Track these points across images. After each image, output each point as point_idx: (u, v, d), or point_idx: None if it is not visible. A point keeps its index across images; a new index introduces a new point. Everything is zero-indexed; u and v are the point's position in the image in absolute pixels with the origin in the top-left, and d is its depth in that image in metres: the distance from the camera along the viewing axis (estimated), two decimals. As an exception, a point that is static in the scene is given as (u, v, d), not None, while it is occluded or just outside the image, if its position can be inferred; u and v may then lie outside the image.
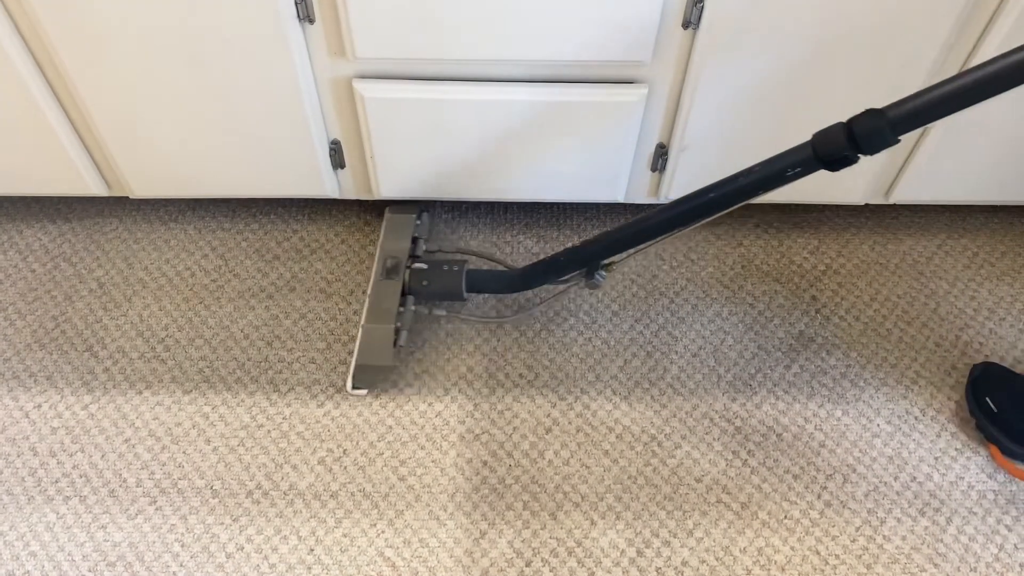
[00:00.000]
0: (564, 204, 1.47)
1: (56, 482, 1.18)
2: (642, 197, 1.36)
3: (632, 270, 1.40)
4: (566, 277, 1.21)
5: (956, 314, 1.37)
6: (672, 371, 1.30)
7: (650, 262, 1.42)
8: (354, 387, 1.28)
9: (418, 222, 1.41)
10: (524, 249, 1.42)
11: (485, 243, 1.44)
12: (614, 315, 1.36)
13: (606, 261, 1.16)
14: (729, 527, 1.16)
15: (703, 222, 1.03)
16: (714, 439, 1.24)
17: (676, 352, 1.32)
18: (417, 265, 1.31)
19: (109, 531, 1.14)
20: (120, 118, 1.21)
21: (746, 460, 1.22)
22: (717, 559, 1.13)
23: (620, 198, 1.35)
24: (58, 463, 1.19)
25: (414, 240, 1.38)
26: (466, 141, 1.25)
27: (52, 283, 1.38)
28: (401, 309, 1.29)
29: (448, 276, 1.29)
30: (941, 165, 1.29)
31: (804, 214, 1.49)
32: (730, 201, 0.96)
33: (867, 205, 1.49)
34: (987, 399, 1.22)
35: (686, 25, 1.09)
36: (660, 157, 1.28)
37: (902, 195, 1.35)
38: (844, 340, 1.34)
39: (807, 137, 1.25)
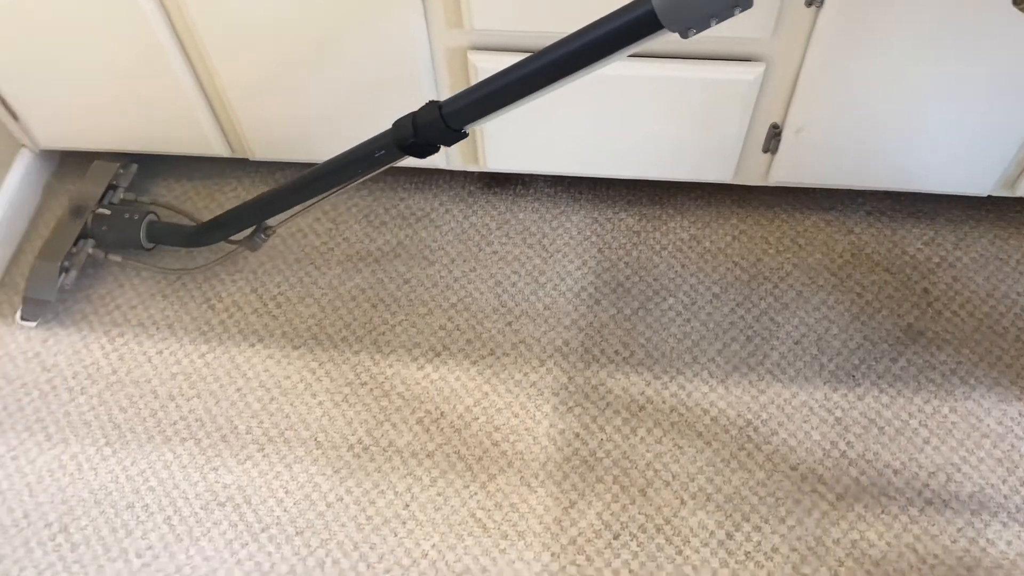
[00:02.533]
0: (669, 183, 1.46)
1: (174, 424, 1.25)
2: (753, 179, 1.34)
3: (736, 252, 1.39)
4: (236, 238, 1.27)
5: (1082, 316, 1.30)
6: (772, 357, 1.28)
7: (755, 245, 1.39)
8: (22, 318, 1.35)
9: (121, 171, 1.46)
10: (626, 227, 1.42)
11: (586, 219, 1.44)
12: (715, 297, 1.34)
13: (266, 224, 1.23)
14: (823, 517, 1.14)
15: (326, 196, 1.11)
16: (812, 428, 1.21)
17: (777, 338, 1.30)
18: (100, 210, 1.38)
19: (220, 473, 1.21)
20: (247, 84, 1.26)
21: (844, 452, 1.19)
22: (808, 548, 1.12)
23: (728, 179, 1.33)
24: (176, 407, 1.27)
25: (112, 187, 1.43)
26: (575, 116, 1.25)
27: (176, 238, 1.46)
28: (74, 249, 1.36)
29: (128, 223, 1.36)
30: (1076, 157, 1.22)
31: (920, 203, 1.43)
32: (337, 179, 1.06)
33: (990, 197, 1.42)
34: None
35: (810, 3, 1.06)
36: (773, 138, 1.25)
37: (1031, 188, 1.28)
38: (956, 336, 1.29)
39: (928, 128, 1.20)
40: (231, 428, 1.24)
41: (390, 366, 1.30)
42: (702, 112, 1.21)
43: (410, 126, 0.92)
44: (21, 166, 1.46)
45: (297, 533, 1.15)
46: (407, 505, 1.17)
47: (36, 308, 1.34)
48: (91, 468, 1.22)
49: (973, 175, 1.28)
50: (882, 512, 1.14)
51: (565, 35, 0.81)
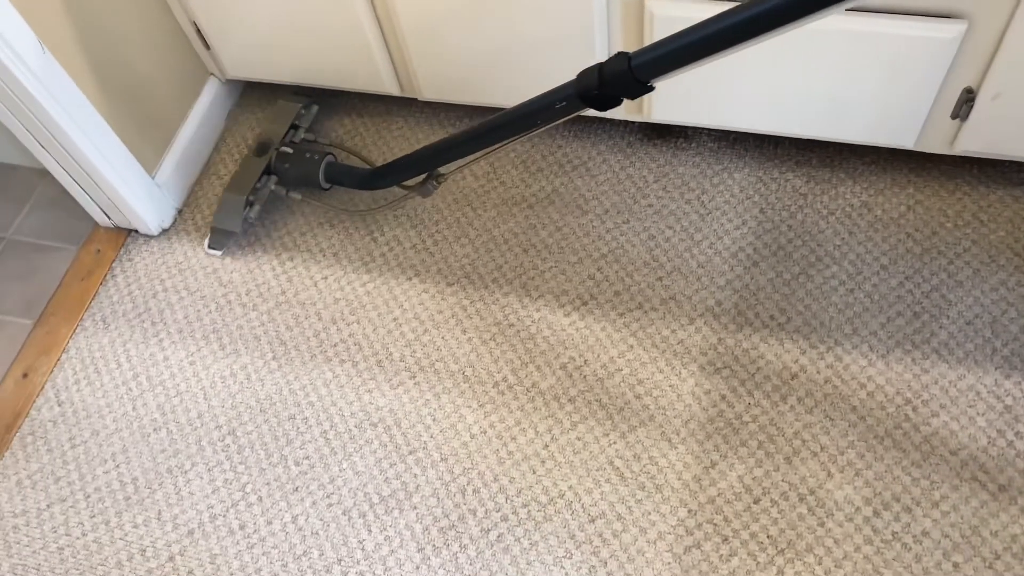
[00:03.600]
0: (842, 145, 1.39)
1: (335, 346, 1.33)
2: (936, 146, 1.26)
3: (910, 223, 1.31)
4: (409, 183, 1.29)
5: None
6: (940, 336, 1.21)
7: (932, 217, 1.31)
8: (209, 247, 1.43)
9: (303, 111, 1.51)
10: (792, 189, 1.37)
11: (750, 177, 1.40)
12: (883, 268, 1.28)
13: (438, 171, 1.23)
14: (981, 507, 1.08)
15: (501, 146, 1.10)
16: (978, 414, 1.15)
17: (948, 317, 1.23)
18: (284, 149, 1.42)
19: (374, 395, 1.27)
20: (423, 24, 1.29)
21: (1012, 442, 1.12)
22: (963, 536, 1.07)
23: (910, 144, 1.26)
24: (337, 330, 1.34)
25: (294, 127, 1.49)
26: (750, 68, 1.21)
27: (343, 171, 1.52)
28: (258, 185, 1.42)
29: (308, 163, 1.40)
30: None
31: None
32: (514, 129, 1.04)
33: None
34: None
35: (1028, -45, 0.98)
36: (965, 103, 1.17)
37: None
38: None
39: None
40: (386, 354, 1.31)
41: (537, 310, 1.32)
42: (891, 71, 1.14)
43: (595, 77, 0.88)
44: (209, 93, 1.56)
45: (442, 459, 1.20)
46: (547, 445, 1.20)
47: (222, 238, 1.43)
48: (259, 379, 1.31)
49: None
50: (1050, 510, 1.07)
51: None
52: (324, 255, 1.43)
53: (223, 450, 1.25)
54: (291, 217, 1.48)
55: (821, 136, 1.30)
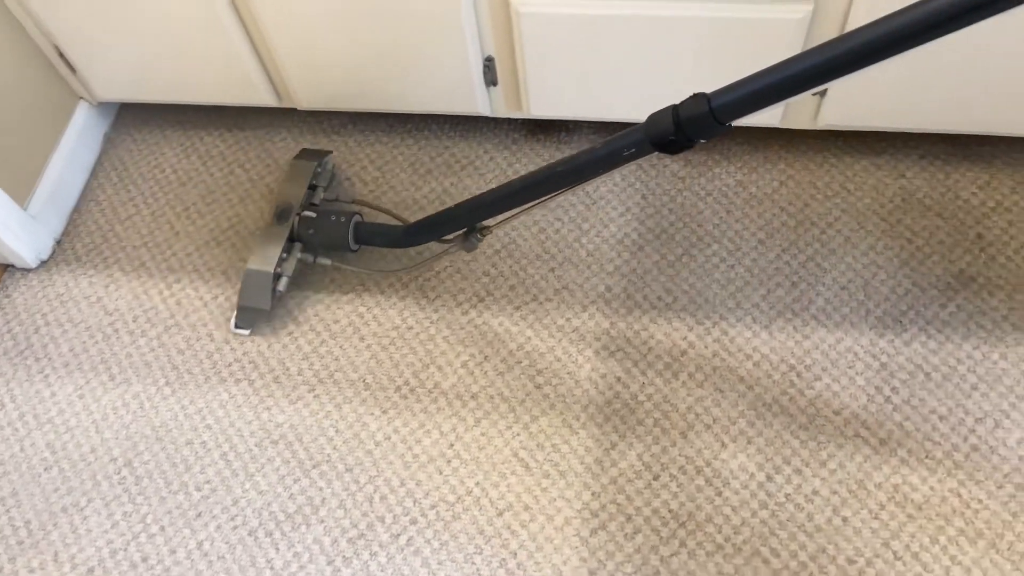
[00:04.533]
0: (715, 128, 1.44)
1: (229, 365, 1.30)
2: (801, 122, 1.31)
3: (783, 198, 1.37)
4: (449, 237, 1.20)
5: None
6: (818, 303, 1.27)
7: (803, 191, 1.37)
8: (236, 326, 1.32)
9: (319, 170, 1.39)
10: (670, 174, 1.41)
11: (630, 166, 1.43)
12: (760, 243, 1.33)
13: (482, 224, 1.15)
14: (865, 461, 1.14)
15: (556, 194, 1.03)
16: (857, 374, 1.21)
17: (823, 284, 1.29)
18: (306, 213, 1.32)
19: (273, 412, 1.25)
20: (294, 34, 1.28)
21: (889, 397, 1.19)
22: (850, 491, 1.12)
23: (776, 123, 1.31)
24: (231, 349, 1.32)
25: (312, 188, 1.37)
26: (616, 58, 1.24)
27: (228, 187, 1.50)
28: (284, 255, 1.30)
29: (335, 227, 1.30)
30: None
31: (976, 146, 1.39)
32: (576, 177, 0.97)
33: (1051, 139, 1.37)
34: None
35: (861, -64, 1.03)
36: (821, 80, 1.23)
37: (1094, 128, 1.23)
38: (1009, 282, 1.26)
39: (983, 64, 1.16)
40: (283, 370, 1.29)
41: (435, 311, 1.33)
42: (748, 55, 1.19)
43: (670, 121, 0.83)
44: (81, 118, 1.51)
45: (347, 469, 1.20)
46: (452, 444, 1.21)
47: (251, 316, 1.31)
48: (152, 407, 1.28)
49: (1032, 115, 1.24)
50: (926, 457, 1.14)
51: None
52: (212, 273, 1.40)
53: (120, 483, 1.22)
54: (175, 240, 1.44)
55: (693, 120, 1.34)
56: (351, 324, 1.32)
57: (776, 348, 1.24)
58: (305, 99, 1.42)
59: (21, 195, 1.39)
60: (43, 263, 1.44)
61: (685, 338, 1.26)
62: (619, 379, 1.24)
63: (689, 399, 1.21)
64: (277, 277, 1.30)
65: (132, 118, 1.59)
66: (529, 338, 1.29)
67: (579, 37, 1.20)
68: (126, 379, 1.30)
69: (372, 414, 1.24)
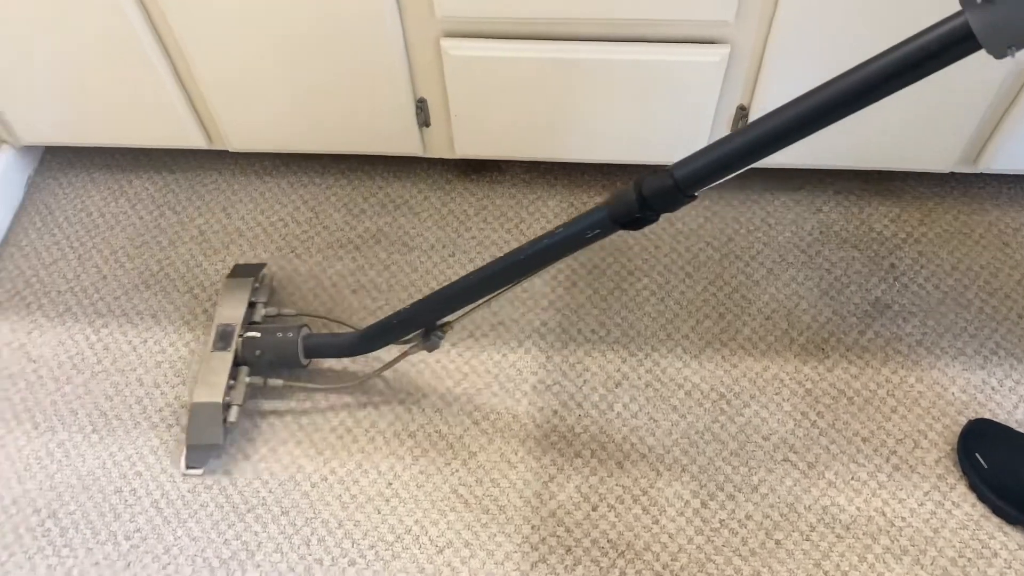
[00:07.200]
0: (641, 166, 1.49)
1: (160, 411, 1.27)
2: (720, 159, 1.37)
3: (708, 233, 1.42)
4: (408, 337, 1.15)
5: (1043, 287, 1.35)
6: (744, 332, 1.32)
7: (726, 225, 1.43)
8: (188, 466, 1.22)
9: (257, 285, 1.33)
10: (601, 209, 1.45)
11: (562, 203, 1.47)
12: (687, 276, 1.38)
13: (441, 322, 1.11)
14: (795, 485, 1.18)
15: (518, 282, 1.00)
16: (783, 400, 1.25)
17: (749, 314, 1.33)
18: (250, 334, 1.25)
19: (206, 457, 1.23)
20: (223, 75, 1.28)
21: (815, 421, 1.23)
22: (781, 515, 1.15)
23: (698, 160, 1.36)
24: (161, 394, 1.29)
25: (251, 305, 1.30)
26: (544, 100, 1.28)
27: (157, 230, 1.48)
28: (232, 382, 1.22)
29: (283, 343, 1.23)
30: (1033, 132, 1.26)
31: (886, 182, 1.47)
32: (539, 262, 0.95)
33: (953, 174, 1.46)
34: (977, 455, 1.16)
35: (770, -15, 1.10)
36: (741, 119, 1.29)
37: (991, 163, 1.32)
38: (922, 308, 1.33)
39: (889, 105, 1.24)
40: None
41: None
42: (671, 95, 1.24)
43: (634, 199, 0.82)
44: (3, 162, 1.48)
45: (283, 513, 1.18)
46: (390, 483, 1.20)
47: (202, 454, 1.21)
48: (79, 455, 1.24)
49: (935, 152, 1.32)
50: (852, 479, 1.18)
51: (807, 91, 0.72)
52: (142, 317, 1.37)
53: (44, 535, 1.17)
54: (103, 284, 1.42)
55: (624, 160, 1.39)
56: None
57: (706, 377, 1.27)
58: (236, 141, 1.42)
59: (-62, 240, 1.35)
60: (-39, 310, 1.39)
61: (619, 369, 1.29)
62: (556, 412, 1.25)
63: (624, 429, 1.23)
64: (227, 407, 1.21)
65: (58, 161, 1.57)
66: (467, 374, 1.30)
67: (503, 79, 1.24)
68: (51, 427, 1.26)
69: (308, 455, 1.23)
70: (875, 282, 1.36)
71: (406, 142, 1.39)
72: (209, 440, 1.20)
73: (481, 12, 1.15)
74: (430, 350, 1.14)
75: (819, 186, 1.47)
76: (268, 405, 1.27)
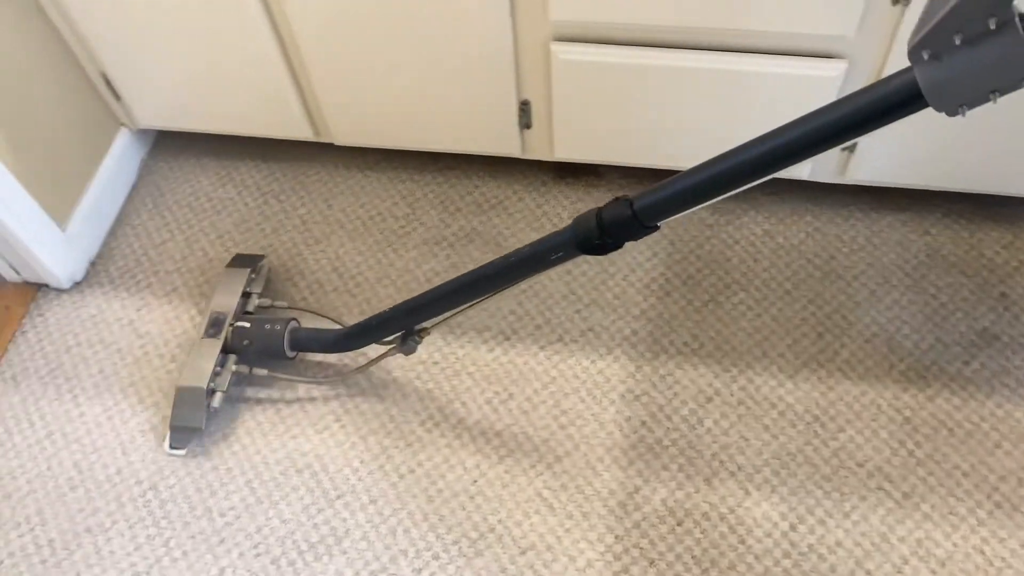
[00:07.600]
0: (743, 178, 1.46)
1: (257, 393, 1.32)
2: (829, 176, 1.34)
3: (810, 249, 1.39)
4: (389, 339, 1.16)
5: None
6: (843, 355, 1.28)
7: (829, 243, 1.39)
8: (171, 447, 1.26)
9: (253, 276, 1.36)
10: (698, 220, 1.44)
11: (659, 211, 1.46)
12: (786, 293, 1.35)
13: (419, 327, 1.13)
14: (888, 514, 1.14)
15: (491, 296, 1.02)
16: (880, 427, 1.22)
17: (849, 336, 1.30)
18: (240, 323, 1.28)
19: (299, 441, 1.26)
20: (334, 71, 1.31)
21: (912, 451, 1.19)
22: (873, 544, 1.12)
23: (805, 176, 1.34)
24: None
25: (246, 295, 1.34)
26: (650, 107, 1.27)
27: (262, 217, 1.52)
28: (218, 369, 1.25)
29: (270, 335, 1.25)
30: None
31: (999, 207, 1.41)
32: (505, 279, 0.96)
33: (1074, 202, 1.39)
34: None
35: (895, 1, 1.07)
36: (851, 136, 1.25)
37: (1118, 193, 1.26)
38: (1033, 341, 1.28)
39: (1007, 128, 1.19)
40: (309, 398, 1.30)
41: (461, 347, 1.34)
42: (782, 107, 1.21)
43: (594, 225, 0.83)
44: (121, 144, 1.55)
45: (371, 501, 1.20)
46: (475, 480, 1.21)
47: (185, 436, 1.26)
48: (179, 431, 1.29)
49: (1058, 179, 1.26)
50: (949, 513, 1.14)
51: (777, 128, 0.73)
52: (244, 302, 1.42)
53: (144, 506, 1.22)
54: (209, 266, 1.47)
55: (723, 170, 1.37)
56: (378, 357, 1.34)
57: (801, 398, 1.25)
58: (342, 134, 1.45)
59: (61, 217, 1.42)
60: (77, 284, 1.46)
61: (711, 384, 1.27)
62: (644, 423, 1.25)
63: (714, 446, 1.22)
64: (211, 393, 1.24)
65: (169, 146, 1.63)
66: (554, 378, 1.30)
67: (613, 84, 1.24)
68: (155, 403, 1.32)
69: (397, 447, 1.25)
70: (983, 311, 1.31)
71: (506, 143, 1.40)
72: (191, 423, 1.24)
73: (595, 17, 1.15)
74: (407, 353, 1.16)
75: (927, 207, 1.42)
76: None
